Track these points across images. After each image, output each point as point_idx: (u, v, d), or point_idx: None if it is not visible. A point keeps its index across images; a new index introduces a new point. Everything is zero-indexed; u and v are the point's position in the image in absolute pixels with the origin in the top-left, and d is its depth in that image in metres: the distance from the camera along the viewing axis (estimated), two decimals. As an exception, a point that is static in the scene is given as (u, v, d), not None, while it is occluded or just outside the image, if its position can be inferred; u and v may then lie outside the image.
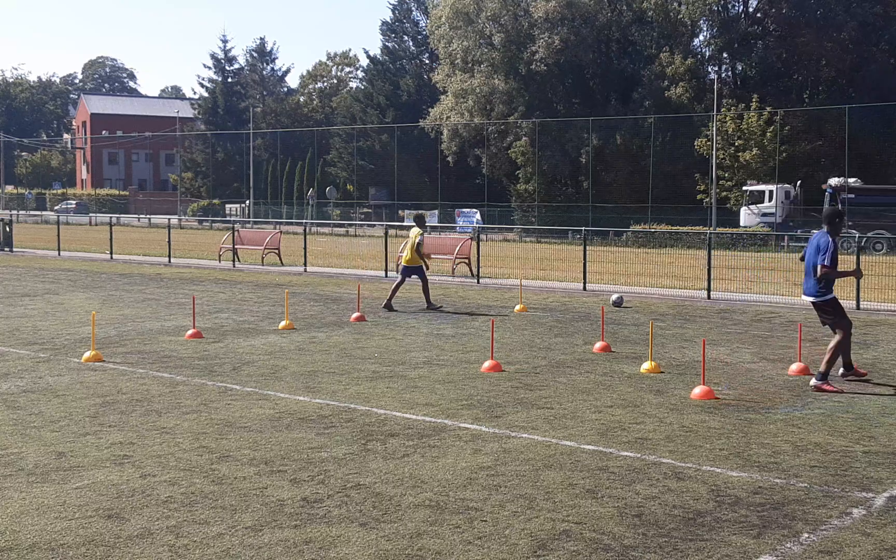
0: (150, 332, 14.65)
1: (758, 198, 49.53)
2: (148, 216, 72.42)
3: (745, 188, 50.96)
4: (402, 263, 18.71)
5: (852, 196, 45.30)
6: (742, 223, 49.29)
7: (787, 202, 49.20)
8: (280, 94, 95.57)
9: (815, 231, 12.01)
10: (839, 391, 10.50)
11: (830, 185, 46.26)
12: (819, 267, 10.72)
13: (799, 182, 50.36)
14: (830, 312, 10.94)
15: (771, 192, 48.83)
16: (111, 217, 52.15)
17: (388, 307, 18.13)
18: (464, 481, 7.03)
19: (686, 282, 23.56)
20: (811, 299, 11.03)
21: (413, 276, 18.50)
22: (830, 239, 10.81)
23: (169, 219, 48.90)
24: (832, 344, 10.78)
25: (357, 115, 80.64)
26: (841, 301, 10.07)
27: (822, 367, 10.69)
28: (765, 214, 48.63)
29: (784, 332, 15.50)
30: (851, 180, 47.40)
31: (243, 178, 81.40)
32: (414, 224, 18.66)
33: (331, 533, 5.95)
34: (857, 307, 18.84)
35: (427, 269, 18.60)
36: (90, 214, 79.24)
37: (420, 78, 78.64)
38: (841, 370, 11.18)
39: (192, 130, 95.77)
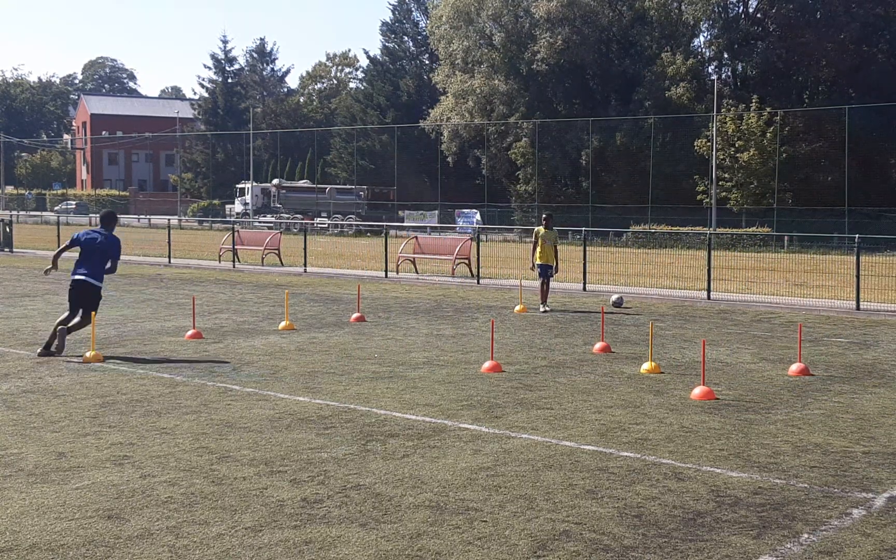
0: (150, 333, 14.65)
1: (243, 192, 69.32)
2: (148, 217, 72.51)
3: (236, 186, 72.14)
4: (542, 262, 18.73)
5: (284, 191, 68.15)
6: (235, 211, 68.45)
7: (262, 196, 68.33)
8: (280, 95, 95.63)
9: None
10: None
11: (274, 182, 69.53)
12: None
13: (276, 181, 71.15)
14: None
15: (248, 188, 68.91)
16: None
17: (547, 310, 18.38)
18: (464, 482, 7.03)
19: (686, 282, 23.58)
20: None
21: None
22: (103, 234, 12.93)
23: (169, 219, 48.89)
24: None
25: (357, 115, 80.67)
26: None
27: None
28: (245, 204, 67.61)
29: (784, 332, 15.50)
30: (303, 182, 72.48)
31: (243, 179, 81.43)
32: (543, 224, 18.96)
33: (331, 533, 5.95)
34: (858, 307, 18.85)
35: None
36: (90, 215, 79.18)
37: (420, 78, 78.65)
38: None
39: (192, 131, 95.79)
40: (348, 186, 70.30)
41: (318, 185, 70.54)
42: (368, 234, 55.29)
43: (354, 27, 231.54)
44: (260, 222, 61.64)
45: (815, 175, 53.79)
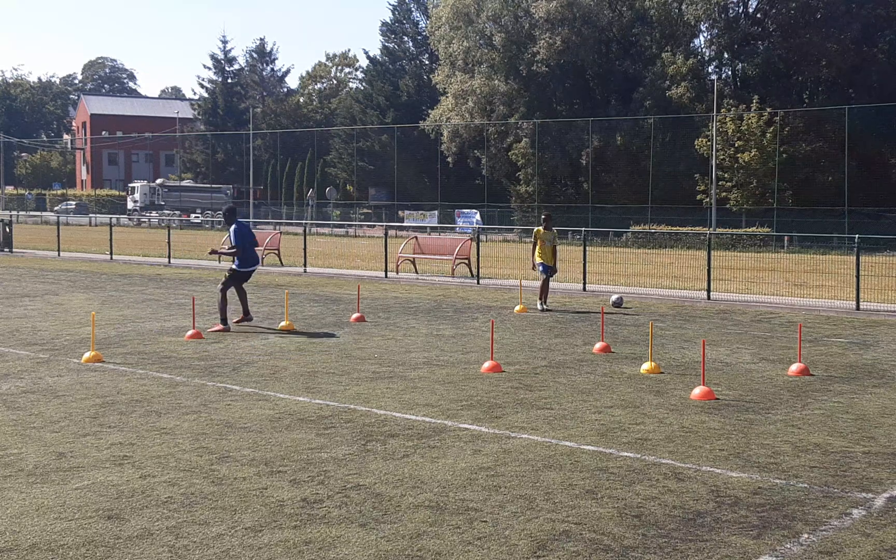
0: (149, 333, 14.66)
1: (134, 190, 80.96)
2: (147, 217, 72.76)
3: (129, 185, 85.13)
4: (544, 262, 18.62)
5: (166, 190, 79.85)
6: (129, 207, 79.70)
7: (150, 194, 79.03)
8: (280, 95, 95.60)
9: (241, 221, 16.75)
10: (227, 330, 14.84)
11: (158, 182, 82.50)
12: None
13: (160, 180, 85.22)
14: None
15: (138, 187, 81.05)
16: (111, 217, 52.13)
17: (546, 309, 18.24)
18: (464, 482, 7.03)
19: (686, 282, 23.57)
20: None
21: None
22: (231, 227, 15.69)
23: (169, 219, 48.84)
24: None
25: (357, 115, 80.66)
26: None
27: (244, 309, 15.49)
28: (135, 202, 78.71)
29: (784, 332, 15.50)
30: (186, 181, 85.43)
31: (243, 179, 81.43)
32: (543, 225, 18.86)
33: (331, 533, 5.95)
34: (857, 307, 18.85)
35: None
36: (90, 215, 79.30)
37: (420, 78, 78.66)
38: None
39: (191, 131, 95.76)
40: (217, 185, 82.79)
41: (200, 184, 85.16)
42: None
43: (354, 27, 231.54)
44: (146, 217, 72.26)
45: (815, 175, 53.77)
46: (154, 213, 73.87)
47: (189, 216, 71.20)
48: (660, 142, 56.93)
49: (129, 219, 73.55)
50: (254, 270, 16.04)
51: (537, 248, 18.75)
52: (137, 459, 7.55)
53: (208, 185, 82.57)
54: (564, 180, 63.03)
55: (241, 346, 13.49)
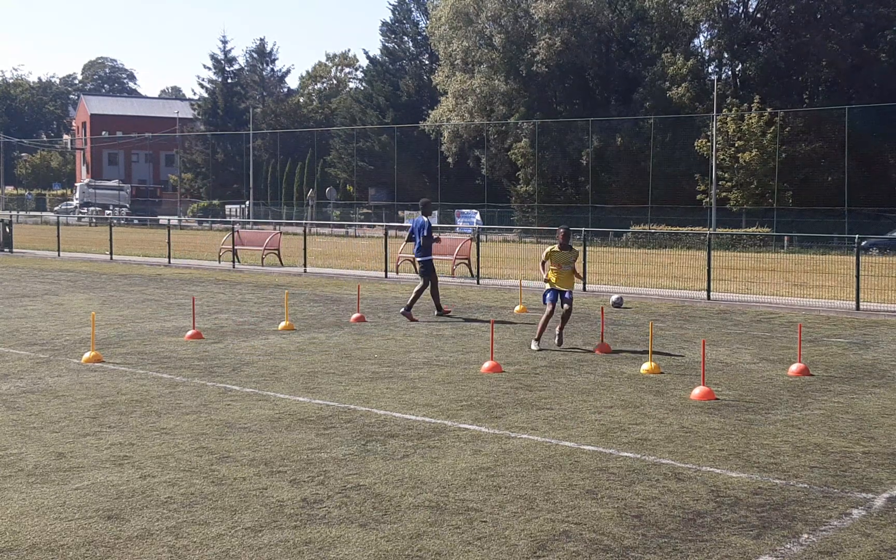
0: (149, 333, 14.66)
1: (76, 189, 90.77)
2: (147, 217, 72.86)
3: (76, 184, 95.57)
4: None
5: (91, 189, 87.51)
6: (73, 205, 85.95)
7: (87, 192, 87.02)
8: (280, 95, 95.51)
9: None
10: (416, 320, 16.18)
11: (85, 182, 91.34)
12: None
13: (87, 179, 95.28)
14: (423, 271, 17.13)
15: (78, 187, 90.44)
16: (111, 217, 52.04)
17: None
18: (464, 482, 7.03)
19: (686, 282, 23.57)
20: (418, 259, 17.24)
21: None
22: (424, 220, 17.06)
23: (169, 219, 48.85)
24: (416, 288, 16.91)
25: (357, 115, 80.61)
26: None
27: (408, 302, 16.75)
28: (76, 199, 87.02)
29: (784, 332, 15.50)
30: (114, 182, 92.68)
31: (243, 179, 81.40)
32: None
33: (331, 533, 5.95)
34: (857, 308, 18.85)
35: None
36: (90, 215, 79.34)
37: (420, 79, 78.62)
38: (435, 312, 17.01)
39: (191, 131, 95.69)
40: (122, 184, 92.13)
41: (113, 184, 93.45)
42: (135, 222, 69.80)
43: (354, 27, 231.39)
44: (80, 212, 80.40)
45: (815, 175, 53.77)
46: (85, 209, 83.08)
47: (103, 212, 79.30)
48: (660, 142, 56.91)
49: (73, 216, 79.91)
50: (424, 260, 17.07)
51: (551, 270, 13.82)
52: (137, 459, 7.55)
53: (116, 185, 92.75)
54: (564, 180, 63.02)
55: (241, 346, 13.49)
